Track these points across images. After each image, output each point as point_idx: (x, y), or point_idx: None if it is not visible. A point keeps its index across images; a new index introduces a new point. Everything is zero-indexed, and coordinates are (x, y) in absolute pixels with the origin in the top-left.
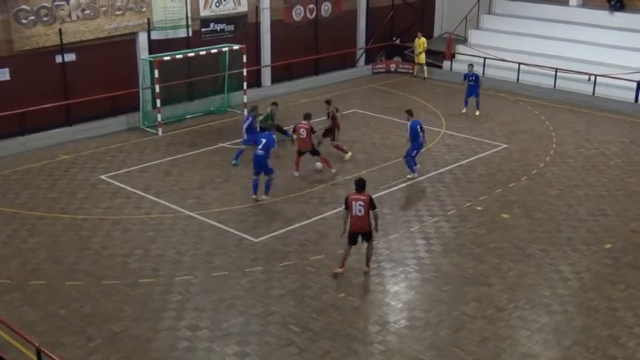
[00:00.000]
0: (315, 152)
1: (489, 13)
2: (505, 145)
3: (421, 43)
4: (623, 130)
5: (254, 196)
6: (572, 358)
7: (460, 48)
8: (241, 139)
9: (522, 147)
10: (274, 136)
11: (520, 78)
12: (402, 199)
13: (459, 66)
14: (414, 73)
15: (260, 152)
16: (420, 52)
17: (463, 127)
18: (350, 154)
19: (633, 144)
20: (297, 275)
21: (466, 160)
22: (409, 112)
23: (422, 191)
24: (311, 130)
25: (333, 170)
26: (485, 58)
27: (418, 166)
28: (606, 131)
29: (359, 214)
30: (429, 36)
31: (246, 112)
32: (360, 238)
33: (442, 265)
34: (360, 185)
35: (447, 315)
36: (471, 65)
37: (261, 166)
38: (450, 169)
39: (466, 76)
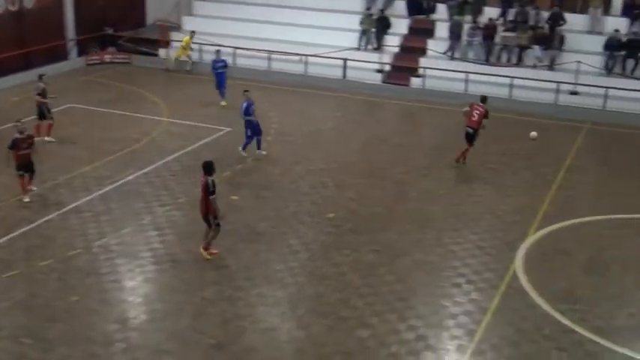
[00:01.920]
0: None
1: None
2: (229, 129)
3: (187, 40)
4: (335, 106)
5: None
6: (307, 325)
7: (175, 35)
8: None
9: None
10: None
11: (238, 62)
12: (130, 192)
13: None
14: (169, 67)
15: None
16: (184, 48)
17: (186, 113)
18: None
19: (345, 118)
20: (24, 284)
21: (192, 147)
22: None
23: (150, 182)
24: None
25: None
26: (201, 44)
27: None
28: (321, 107)
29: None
30: (141, 24)
31: None
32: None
33: (178, 253)
34: (205, 167)
35: (186, 302)
36: (218, 51)
37: None
38: (177, 157)
39: (214, 63)
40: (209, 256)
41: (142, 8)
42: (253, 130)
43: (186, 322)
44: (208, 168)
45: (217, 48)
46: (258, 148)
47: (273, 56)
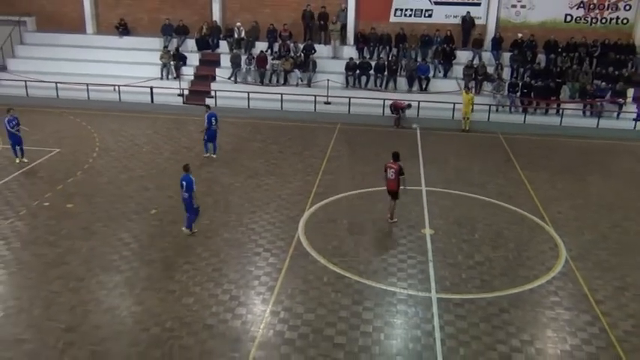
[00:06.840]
0: None
1: (22, 43)
2: (58, 150)
3: (470, 98)
4: (147, 125)
5: None
6: (143, 301)
7: (1, 75)
8: None
9: (72, 149)
10: None
11: (60, 94)
12: None
13: (5, 90)
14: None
15: None
16: (468, 105)
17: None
18: None
19: (156, 134)
20: None
21: (27, 167)
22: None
23: None
24: None
25: None
26: (26, 82)
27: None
28: (135, 127)
29: (391, 178)
30: None
31: None
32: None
33: (24, 257)
34: (395, 156)
35: (36, 297)
36: (11, 109)
37: None
38: (15, 176)
39: (9, 122)
40: (395, 220)
41: None
42: None
43: (39, 313)
44: (397, 156)
45: (9, 107)
46: None
47: (92, 88)
